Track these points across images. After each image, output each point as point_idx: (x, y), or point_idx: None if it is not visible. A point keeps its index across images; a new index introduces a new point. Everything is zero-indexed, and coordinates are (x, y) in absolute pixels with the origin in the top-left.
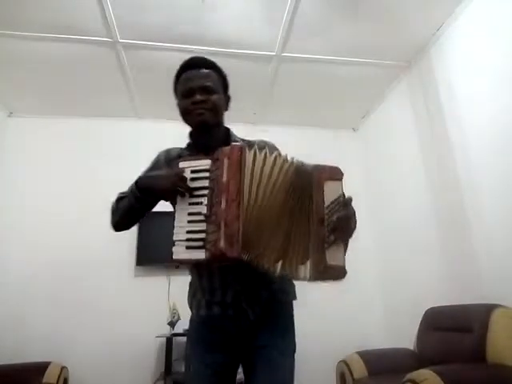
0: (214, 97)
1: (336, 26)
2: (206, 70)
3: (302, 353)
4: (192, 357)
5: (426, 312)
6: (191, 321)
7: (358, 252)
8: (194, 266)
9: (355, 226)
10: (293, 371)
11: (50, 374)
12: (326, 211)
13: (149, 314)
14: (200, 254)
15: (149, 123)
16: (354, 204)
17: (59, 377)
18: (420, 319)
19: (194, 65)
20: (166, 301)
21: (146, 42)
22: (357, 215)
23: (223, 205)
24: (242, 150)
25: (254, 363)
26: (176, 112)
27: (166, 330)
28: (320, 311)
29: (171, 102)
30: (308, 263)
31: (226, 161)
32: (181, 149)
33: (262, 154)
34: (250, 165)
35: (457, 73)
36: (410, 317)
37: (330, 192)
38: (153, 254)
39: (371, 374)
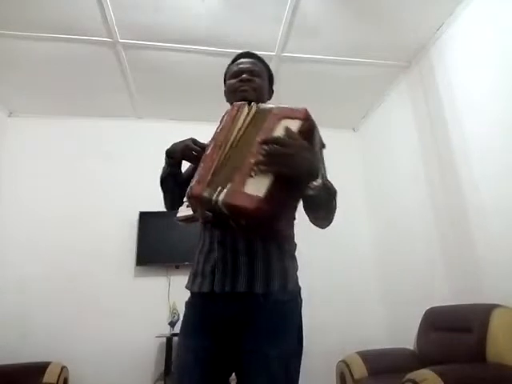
0: (259, 80)
1: (336, 25)
2: (255, 60)
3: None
4: (179, 341)
5: (426, 312)
6: (185, 304)
7: (358, 252)
8: (201, 235)
9: (307, 163)
10: (286, 379)
11: (50, 374)
12: (271, 140)
13: (149, 314)
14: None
15: (149, 123)
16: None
17: (59, 377)
18: (420, 319)
19: (246, 55)
20: (166, 301)
21: (145, 41)
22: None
23: (209, 150)
24: (240, 106)
25: (242, 369)
26: (176, 112)
27: (166, 330)
28: (320, 311)
29: (171, 102)
30: (228, 186)
31: (225, 117)
32: None
33: (256, 108)
34: (243, 117)
35: (457, 73)
36: (410, 317)
37: (283, 129)
38: (153, 254)
39: (371, 373)
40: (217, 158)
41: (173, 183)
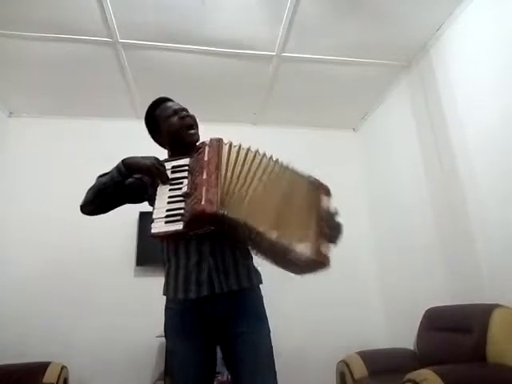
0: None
1: (336, 26)
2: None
3: (303, 353)
4: (174, 347)
5: (426, 312)
6: (166, 309)
7: (358, 252)
8: (173, 247)
9: (341, 236)
10: (272, 348)
11: (50, 374)
12: (324, 214)
13: (149, 314)
14: (178, 225)
15: None
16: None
17: (59, 377)
18: (420, 319)
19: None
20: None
21: (145, 42)
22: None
23: (204, 176)
24: (220, 140)
25: (237, 350)
26: None
27: None
28: (320, 311)
29: None
30: (307, 243)
31: (207, 147)
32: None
33: (237, 146)
34: (227, 151)
35: (457, 73)
36: (410, 317)
37: (324, 202)
38: (153, 254)
39: (371, 373)
40: (219, 183)
41: (113, 191)
